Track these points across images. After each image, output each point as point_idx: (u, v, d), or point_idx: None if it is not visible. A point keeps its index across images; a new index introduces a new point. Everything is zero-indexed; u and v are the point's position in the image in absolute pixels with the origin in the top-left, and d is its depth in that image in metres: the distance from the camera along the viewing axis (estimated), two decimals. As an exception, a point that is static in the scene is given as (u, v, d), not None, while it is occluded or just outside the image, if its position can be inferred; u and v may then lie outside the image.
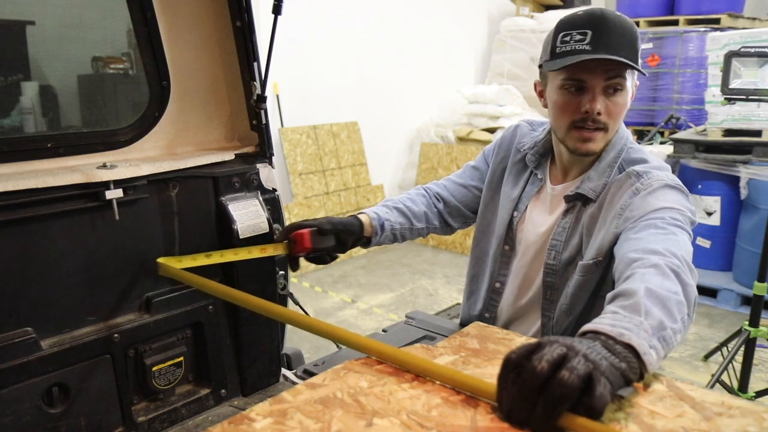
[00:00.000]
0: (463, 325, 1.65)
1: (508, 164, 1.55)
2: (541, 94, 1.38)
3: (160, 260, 1.29)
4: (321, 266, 4.77)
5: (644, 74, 1.27)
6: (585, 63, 1.19)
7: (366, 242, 1.50)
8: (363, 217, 1.49)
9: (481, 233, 1.60)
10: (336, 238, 1.41)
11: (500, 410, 0.74)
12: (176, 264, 1.28)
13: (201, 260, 1.31)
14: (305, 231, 1.38)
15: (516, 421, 0.70)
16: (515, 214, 1.48)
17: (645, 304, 0.89)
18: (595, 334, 0.82)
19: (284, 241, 1.40)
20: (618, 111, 1.26)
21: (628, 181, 1.25)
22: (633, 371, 0.78)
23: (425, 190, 1.65)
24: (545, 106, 1.36)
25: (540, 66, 1.34)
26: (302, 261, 1.45)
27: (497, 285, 1.54)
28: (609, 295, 0.97)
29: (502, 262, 1.53)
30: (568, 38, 1.22)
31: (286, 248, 1.39)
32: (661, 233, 1.09)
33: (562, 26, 1.26)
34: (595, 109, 1.23)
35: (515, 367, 0.71)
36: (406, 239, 1.59)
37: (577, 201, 1.35)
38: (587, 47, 1.19)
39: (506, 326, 1.54)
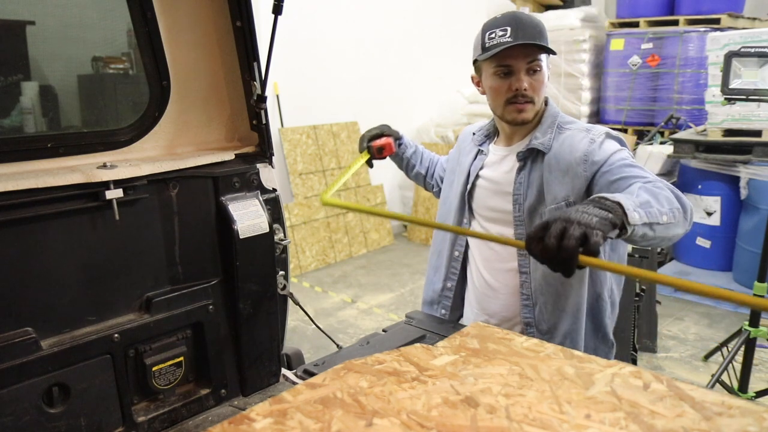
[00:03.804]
0: (425, 300, 1.87)
1: (462, 149, 1.83)
2: (478, 84, 1.67)
3: (321, 194, 1.48)
4: (321, 266, 4.79)
5: (554, 53, 1.54)
6: (510, 51, 1.49)
7: None
8: (396, 133, 1.94)
9: (444, 212, 1.82)
10: None
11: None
12: (326, 194, 1.44)
13: (338, 181, 1.52)
14: (389, 139, 1.85)
15: (553, 270, 1.01)
16: (468, 185, 1.72)
17: (637, 192, 1.24)
18: (593, 199, 1.12)
19: (365, 150, 1.83)
20: (539, 86, 1.56)
21: (580, 134, 1.55)
22: (618, 218, 1.09)
23: (437, 157, 2.08)
24: (483, 93, 1.65)
25: (474, 61, 1.62)
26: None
27: (456, 253, 1.77)
28: None
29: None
30: (493, 35, 1.52)
31: (369, 154, 1.83)
32: (636, 168, 1.42)
33: (487, 27, 1.55)
34: (522, 87, 1.53)
35: (536, 238, 1.02)
36: (409, 172, 2.06)
37: (528, 157, 1.60)
38: (510, 39, 1.49)
39: (482, 292, 1.71)
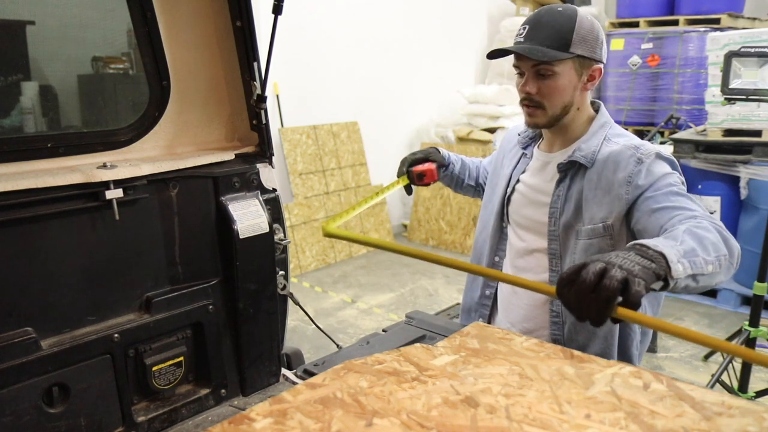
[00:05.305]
0: (464, 307, 1.77)
1: (506, 151, 1.74)
2: None
3: (323, 223, 1.28)
4: (321, 266, 4.79)
5: (555, 60, 1.40)
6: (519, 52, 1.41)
7: None
8: (443, 152, 1.79)
9: (486, 215, 1.73)
10: None
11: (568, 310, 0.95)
12: (331, 224, 1.27)
13: (349, 212, 1.39)
14: (432, 166, 1.67)
15: (579, 318, 0.92)
16: (508, 189, 1.64)
17: (682, 236, 1.10)
18: (633, 245, 1.01)
19: (404, 174, 1.67)
20: (551, 92, 1.44)
21: (628, 151, 1.41)
22: (661, 269, 0.97)
23: (479, 161, 1.96)
24: None
25: None
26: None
27: (497, 259, 1.68)
28: None
29: (500, 237, 1.67)
30: (518, 32, 1.45)
31: (408, 180, 1.67)
32: (683, 198, 1.30)
33: (524, 21, 1.46)
34: (525, 91, 1.45)
35: (569, 281, 0.92)
36: (458, 188, 1.91)
37: (569, 169, 1.50)
38: (522, 39, 1.41)
39: (506, 298, 1.63)
